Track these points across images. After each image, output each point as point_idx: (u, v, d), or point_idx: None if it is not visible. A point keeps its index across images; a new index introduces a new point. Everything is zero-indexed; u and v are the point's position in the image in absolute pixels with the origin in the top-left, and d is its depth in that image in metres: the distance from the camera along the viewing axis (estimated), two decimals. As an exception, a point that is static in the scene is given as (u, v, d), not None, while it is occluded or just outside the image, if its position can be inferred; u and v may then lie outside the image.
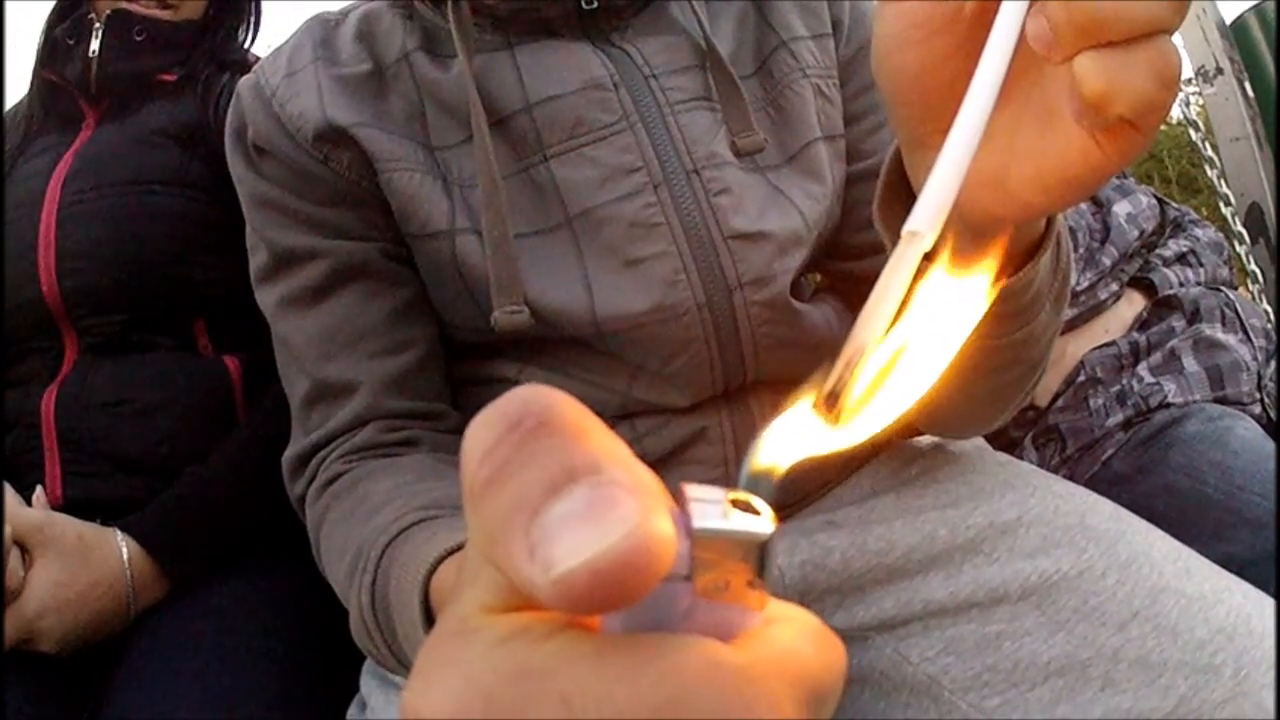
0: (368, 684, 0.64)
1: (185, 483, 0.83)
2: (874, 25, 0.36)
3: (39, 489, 0.83)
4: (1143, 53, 0.29)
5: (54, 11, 1.03)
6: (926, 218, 0.25)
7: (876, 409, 0.23)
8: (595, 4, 0.66)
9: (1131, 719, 0.56)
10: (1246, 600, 0.59)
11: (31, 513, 0.76)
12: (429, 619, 0.45)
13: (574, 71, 0.65)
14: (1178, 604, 0.58)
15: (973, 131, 0.27)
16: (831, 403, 0.22)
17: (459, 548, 0.46)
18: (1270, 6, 1.76)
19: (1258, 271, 1.38)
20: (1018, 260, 0.44)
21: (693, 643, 0.18)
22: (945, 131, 0.28)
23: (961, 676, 0.61)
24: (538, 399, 0.18)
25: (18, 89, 1.07)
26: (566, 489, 0.17)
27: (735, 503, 0.19)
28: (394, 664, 0.54)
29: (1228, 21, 1.73)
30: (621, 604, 0.16)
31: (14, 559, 0.71)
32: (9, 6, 0.99)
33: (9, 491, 0.79)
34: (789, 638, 0.19)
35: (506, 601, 0.19)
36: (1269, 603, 0.60)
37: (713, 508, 0.19)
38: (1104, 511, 0.65)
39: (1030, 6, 0.30)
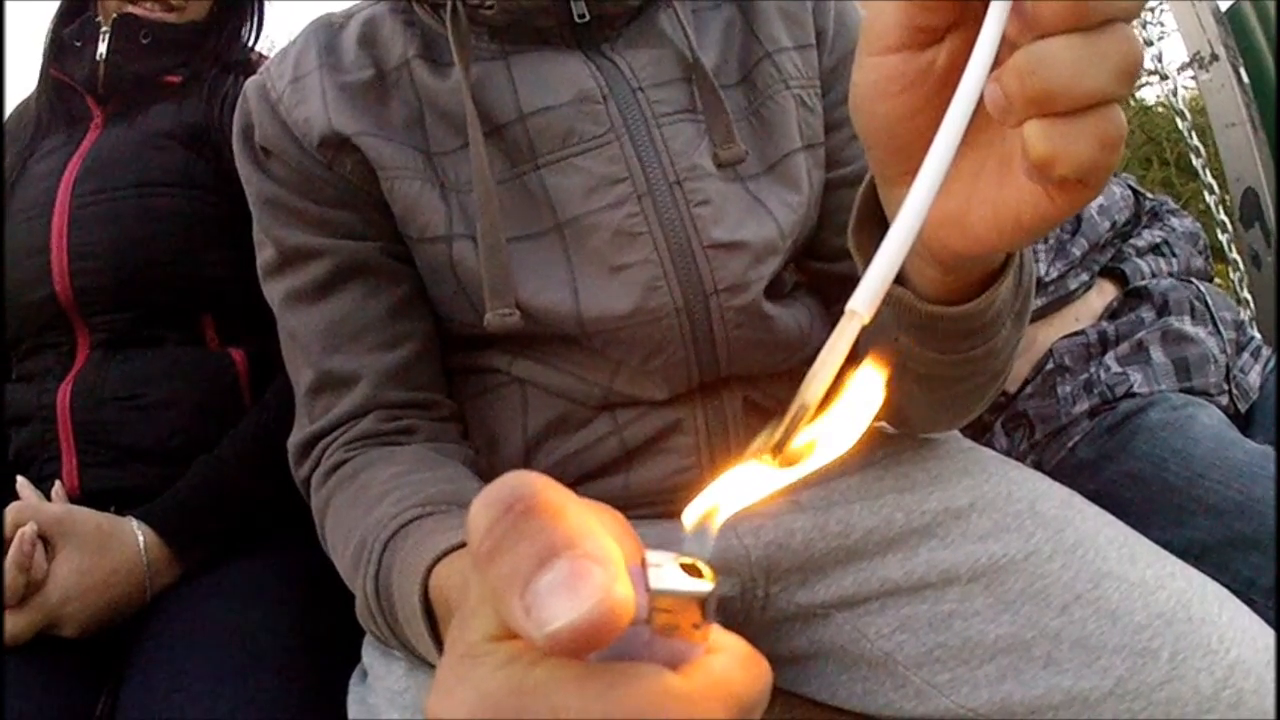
0: (369, 654, 0.69)
1: (196, 472, 0.89)
2: (853, 74, 0.39)
3: (57, 483, 0.89)
4: (1089, 121, 0.31)
5: (59, 13, 1.08)
6: (865, 300, 0.28)
7: (813, 458, 0.28)
8: (587, 17, 0.70)
9: (1071, 697, 0.61)
10: (1189, 586, 0.63)
11: (52, 507, 0.82)
12: (427, 611, 0.51)
13: (566, 83, 0.69)
14: (1119, 588, 0.63)
15: (909, 229, 0.30)
16: (777, 453, 0.27)
17: (451, 549, 0.51)
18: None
19: (1239, 259, 1.42)
20: (981, 282, 0.48)
21: (651, 671, 0.24)
22: (914, 173, 0.31)
23: (915, 653, 0.67)
24: (526, 485, 0.25)
25: (14, 89, 1.12)
26: (550, 562, 0.23)
27: (684, 565, 0.26)
28: (395, 644, 0.60)
29: (1223, 8, 1.76)
30: (595, 649, 0.23)
31: (38, 552, 0.77)
32: (8, 6, 1.04)
33: (29, 488, 0.85)
34: (723, 665, 0.26)
35: (505, 631, 0.26)
36: (1212, 587, 0.64)
37: (666, 570, 0.25)
38: (1055, 498, 0.70)
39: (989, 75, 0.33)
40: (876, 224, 0.49)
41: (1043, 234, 0.38)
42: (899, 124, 0.38)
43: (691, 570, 0.26)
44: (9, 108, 1.11)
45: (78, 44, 1.04)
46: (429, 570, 0.50)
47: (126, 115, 1.03)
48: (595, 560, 0.23)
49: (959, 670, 0.65)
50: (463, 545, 0.50)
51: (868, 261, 0.43)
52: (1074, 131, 0.31)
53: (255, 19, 1.14)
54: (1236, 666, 0.59)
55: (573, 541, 0.24)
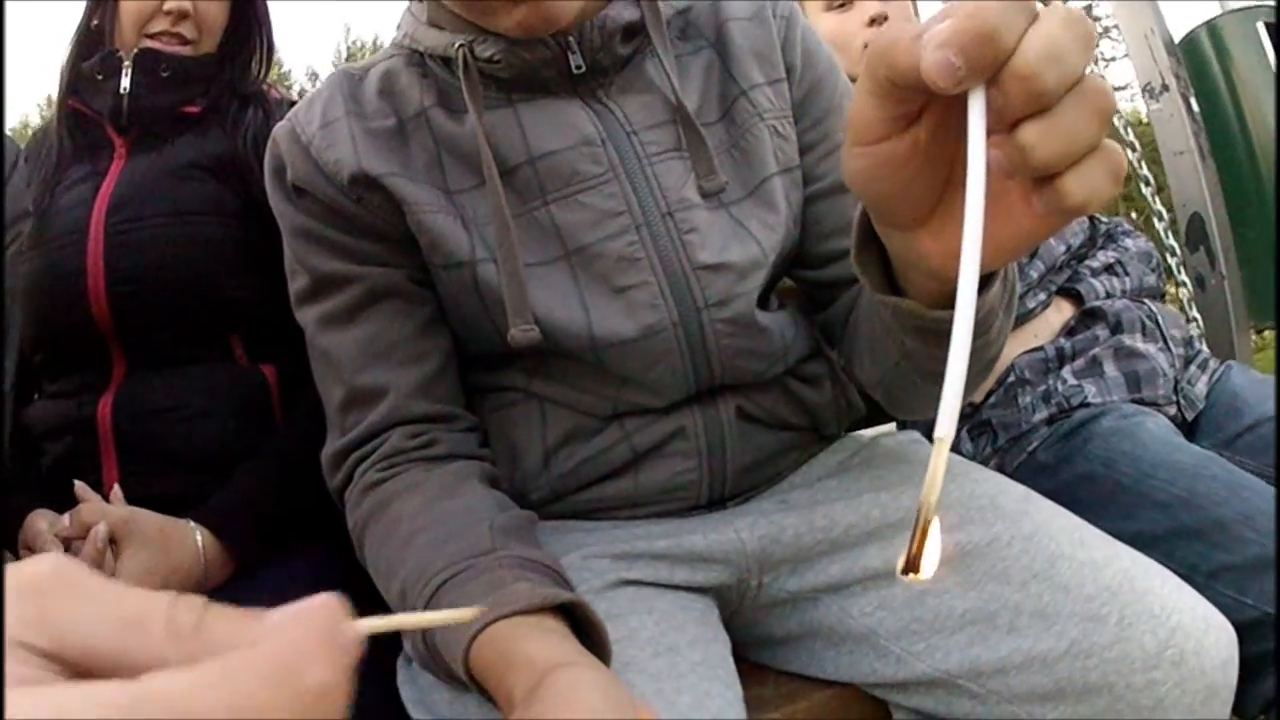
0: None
1: (243, 478, 0.98)
2: (844, 161, 0.45)
3: (116, 487, 0.97)
4: (1103, 163, 0.38)
5: (77, 47, 1.15)
6: (947, 424, 0.34)
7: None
8: (584, 68, 0.81)
9: (1031, 658, 0.72)
10: (1134, 564, 0.75)
11: (118, 509, 0.90)
12: (473, 680, 0.61)
13: (568, 129, 0.80)
14: (1071, 567, 0.74)
15: (963, 357, 0.35)
16: (915, 563, 0.34)
17: (480, 630, 0.60)
18: (1222, 22, 1.94)
19: (1188, 281, 1.56)
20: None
21: None
22: (918, 221, 0.40)
23: (893, 626, 0.78)
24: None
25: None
26: None
27: None
28: (449, 681, 0.69)
29: (1176, 38, 1.91)
30: None
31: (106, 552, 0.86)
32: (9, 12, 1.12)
33: (89, 491, 0.94)
34: None
35: None
36: (1155, 566, 0.76)
37: None
38: (1014, 494, 0.82)
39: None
40: (874, 244, 0.57)
41: (1024, 254, 0.48)
42: (896, 193, 0.46)
43: None
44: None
45: (99, 77, 1.11)
46: (466, 654, 0.61)
47: (151, 145, 1.11)
48: None
49: (933, 639, 0.76)
50: (493, 621, 0.60)
51: (872, 282, 0.53)
52: (1098, 174, 0.39)
53: (263, 50, 1.22)
54: (1178, 630, 0.69)
55: None
